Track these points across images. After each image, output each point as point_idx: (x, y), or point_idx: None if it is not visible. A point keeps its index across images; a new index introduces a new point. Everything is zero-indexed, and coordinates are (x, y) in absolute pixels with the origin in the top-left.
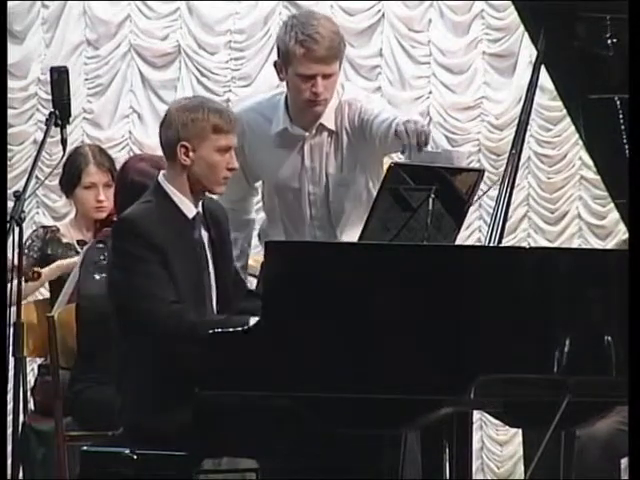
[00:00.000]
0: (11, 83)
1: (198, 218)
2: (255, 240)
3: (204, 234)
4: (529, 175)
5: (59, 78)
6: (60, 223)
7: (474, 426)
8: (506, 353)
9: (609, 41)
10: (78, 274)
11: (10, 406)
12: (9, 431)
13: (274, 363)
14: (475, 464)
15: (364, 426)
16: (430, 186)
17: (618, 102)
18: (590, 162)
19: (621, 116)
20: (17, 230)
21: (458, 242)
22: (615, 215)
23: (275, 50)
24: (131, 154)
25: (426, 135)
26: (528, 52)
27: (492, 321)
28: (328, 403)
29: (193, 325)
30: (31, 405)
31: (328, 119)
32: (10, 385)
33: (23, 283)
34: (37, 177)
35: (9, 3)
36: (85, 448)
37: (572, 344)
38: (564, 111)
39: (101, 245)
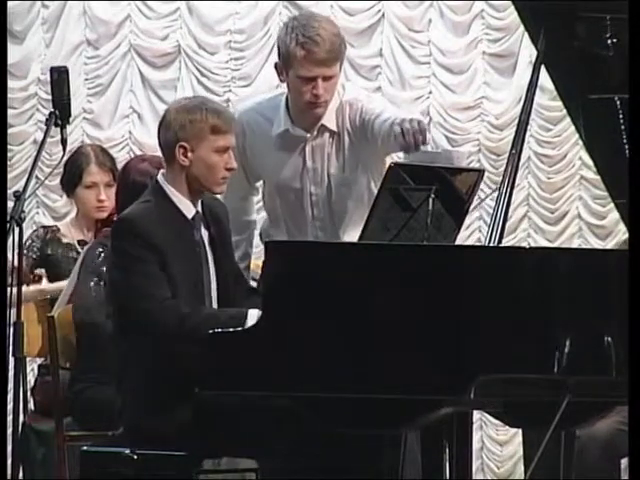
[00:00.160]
0: (11, 83)
1: (197, 218)
2: (257, 240)
3: (204, 233)
4: (529, 175)
5: (59, 78)
6: (61, 223)
7: (474, 426)
8: (506, 353)
9: (609, 41)
10: (78, 274)
11: (10, 406)
12: (9, 431)
13: (274, 363)
14: (475, 464)
15: (364, 426)
16: (430, 186)
17: (618, 102)
18: (590, 162)
19: (621, 116)
20: (17, 230)
21: (458, 242)
22: (615, 215)
23: (275, 50)
24: (131, 154)
25: (424, 134)
26: (528, 52)
27: (492, 321)
28: (328, 403)
29: (186, 316)
30: (31, 405)
31: (329, 120)
32: (10, 385)
33: (24, 286)
34: (37, 177)
35: (9, 3)
36: (85, 448)
37: (572, 344)
38: (564, 111)
39: (101, 246)
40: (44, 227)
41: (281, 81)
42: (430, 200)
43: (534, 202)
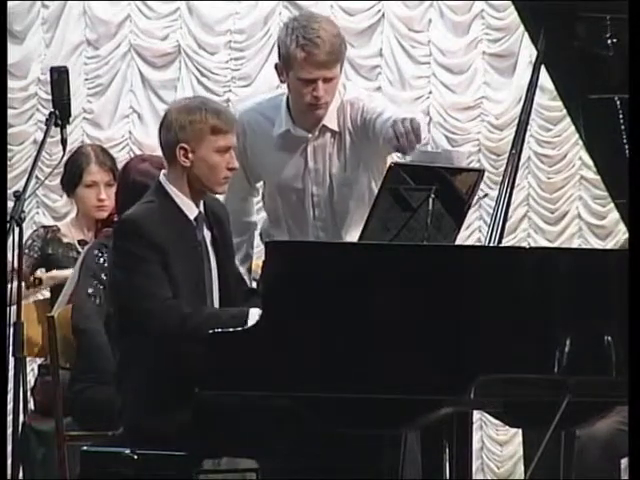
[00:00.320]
0: (11, 83)
1: (200, 218)
2: (257, 240)
3: (206, 234)
4: (529, 175)
5: (59, 78)
6: (61, 223)
7: (474, 426)
8: (506, 353)
9: (609, 41)
10: (78, 274)
11: (10, 406)
12: (9, 431)
13: (274, 363)
14: (475, 464)
15: (364, 426)
16: (430, 186)
17: (618, 102)
18: (590, 162)
19: (621, 116)
20: (17, 230)
21: (458, 242)
22: (615, 215)
23: (275, 50)
24: (131, 154)
25: (417, 135)
26: (528, 52)
27: (492, 321)
28: (328, 403)
29: (188, 316)
30: (31, 405)
31: (331, 120)
32: (10, 385)
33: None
34: (37, 177)
35: (9, 3)
36: (85, 448)
37: (572, 344)
38: (564, 111)
39: (101, 246)
40: (44, 227)
41: (281, 82)
42: (430, 200)
43: (534, 202)
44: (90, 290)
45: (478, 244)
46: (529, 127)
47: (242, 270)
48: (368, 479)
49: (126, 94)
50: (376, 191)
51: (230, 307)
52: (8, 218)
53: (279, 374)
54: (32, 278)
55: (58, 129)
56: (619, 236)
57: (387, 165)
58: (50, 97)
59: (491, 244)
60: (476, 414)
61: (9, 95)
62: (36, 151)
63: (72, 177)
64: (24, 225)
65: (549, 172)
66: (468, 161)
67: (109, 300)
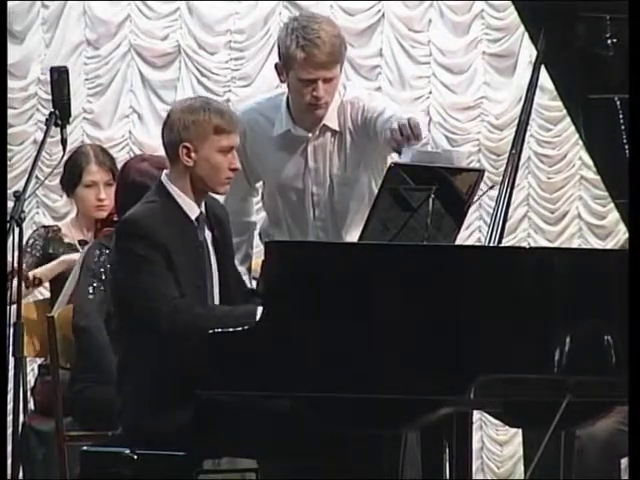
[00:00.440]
0: (11, 83)
1: (201, 218)
2: (256, 240)
3: (207, 234)
4: (529, 175)
5: (59, 78)
6: (61, 223)
7: (474, 426)
8: (506, 353)
9: (609, 41)
10: (78, 275)
11: (10, 406)
12: (9, 431)
13: (274, 363)
14: (475, 464)
15: (364, 426)
16: (430, 186)
17: (618, 102)
18: (590, 162)
19: (621, 116)
20: (17, 230)
21: (458, 242)
22: (615, 215)
23: (275, 50)
24: (131, 154)
25: (415, 134)
26: (528, 52)
27: (492, 321)
28: (328, 403)
29: (201, 315)
30: (31, 405)
31: (331, 119)
32: (10, 385)
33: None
34: (37, 177)
35: (9, 3)
36: (85, 448)
37: (572, 344)
38: (564, 111)
39: (101, 246)
40: (45, 227)
41: (281, 82)
42: (430, 200)
43: (534, 202)
44: (90, 289)
45: (478, 244)
46: (529, 127)
47: (242, 270)
48: (368, 479)
49: (126, 94)
50: (376, 191)
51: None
52: (8, 218)
53: (279, 374)
54: (32, 278)
55: (58, 129)
56: (619, 236)
57: (387, 164)
58: (50, 97)
59: (491, 244)
60: (476, 414)
61: (9, 95)
62: (36, 151)
63: (71, 177)
64: (24, 225)
65: (549, 172)
66: (468, 161)
67: (110, 300)
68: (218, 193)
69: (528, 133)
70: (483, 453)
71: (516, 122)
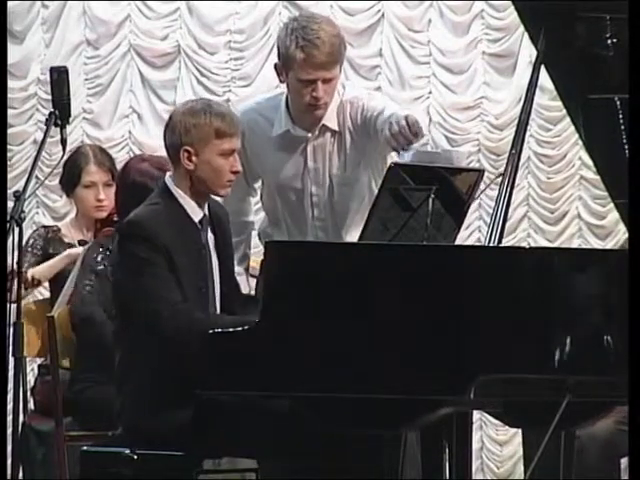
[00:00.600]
0: (11, 83)
1: (204, 221)
2: (255, 240)
3: (210, 237)
4: (529, 175)
5: (59, 78)
6: (61, 223)
7: (474, 426)
8: (506, 353)
9: (609, 41)
10: (78, 274)
11: (10, 406)
12: (9, 431)
13: (274, 363)
14: (475, 464)
15: (364, 426)
16: (430, 186)
17: (618, 102)
18: (590, 162)
19: (621, 116)
20: (17, 230)
21: (458, 242)
22: (615, 215)
23: (275, 50)
24: (131, 154)
25: (413, 132)
26: (528, 52)
27: (492, 321)
28: (328, 403)
29: (201, 321)
30: (31, 405)
31: (330, 119)
32: (10, 385)
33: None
34: (37, 177)
35: (9, 3)
36: (85, 448)
37: (572, 344)
38: (564, 111)
39: (101, 246)
40: (45, 227)
41: (281, 82)
42: (430, 200)
43: (534, 202)
44: (88, 285)
45: (478, 244)
46: (529, 127)
47: (240, 270)
48: (368, 479)
49: (126, 94)
50: (376, 191)
51: (229, 311)
52: (8, 218)
53: (279, 374)
54: (31, 279)
55: (58, 129)
56: (619, 236)
57: (387, 163)
58: (50, 97)
59: (491, 244)
60: (476, 414)
61: (9, 95)
62: (36, 151)
63: (71, 177)
64: (24, 225)
65: (549, 172)
66: (468, 161)
67: (112, 301)
68: (219, 196)
69: (528, 133)
70: (483, 453)
71: (516, 122)
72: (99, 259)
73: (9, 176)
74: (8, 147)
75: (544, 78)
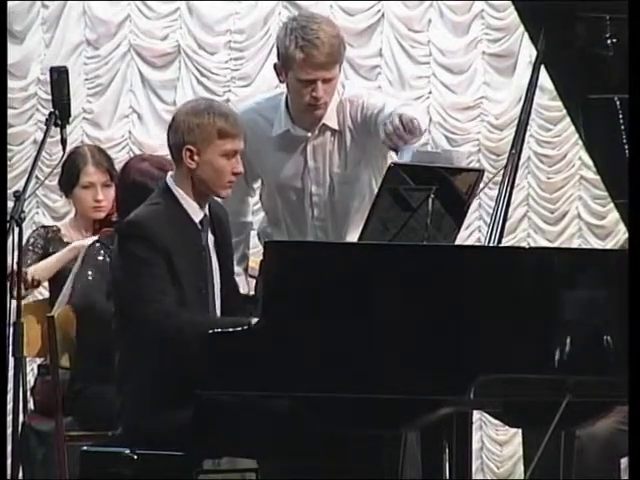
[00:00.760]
0: (11, 83)
1: (205, 222)
2: (254, 240)
3: (210, 238)
4: (529, 175)
5: (59, 78)
6: (60, 223)
7: (474, 426)
8: (506, 353)
9: (609, 41)
10: (78, 272)
11: (10, 406)
12: (9, 431)
13: (274, 363)
14: (475, 464)
15: (364, 426)
16: (430, 186)
17: (618, 102)
18: (590, 162)
19: (621, 116)
20: (17, 230)
21: (458, 242)
22: (615, 215)
23: (275, 50)
24: (131, 154)
25: (410, 130)
26: (528, 52)
27: (492, 321)
28: (328, 403)
29: (201, 323)
30: (31, 405)
31: (330, 118)
32: (10, 385)
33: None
34: (37, 177)
35: (9, 3)
36: (85, 448)
37: (572, 344)
38: (564, 111)
39: (101, 245)
40: (44, 227)
41: (280, 82)
42: (430, 200)
43: (534, 202)
44: (89, 272)
45: (478, 244)
46: (529, 127)
47: (239, 270)
48: (368, 479)
49: (126, 94)
50: (376, 190)
51: (230, 313)
52: (8, 218)
53: (279, 374)
54: (31, 280)
55: (58, 129)
56: (619, 236)
57: (388, 162)
58: (50, 97)
59: (491, 244)
60: (476, 414)
61: (9, 95)
62: (36, 151)
63: (69, 178)
64: (24, 225)
65: (549, 172)
66: (468, 161)
67: (112, 301)
68: (220, 196)
69: (528, 133)
70: (483, 453)
71: (516, 122)
72: (100, 257)
73: (9, 176)
74: (8, 147)
75: (544, 78)
